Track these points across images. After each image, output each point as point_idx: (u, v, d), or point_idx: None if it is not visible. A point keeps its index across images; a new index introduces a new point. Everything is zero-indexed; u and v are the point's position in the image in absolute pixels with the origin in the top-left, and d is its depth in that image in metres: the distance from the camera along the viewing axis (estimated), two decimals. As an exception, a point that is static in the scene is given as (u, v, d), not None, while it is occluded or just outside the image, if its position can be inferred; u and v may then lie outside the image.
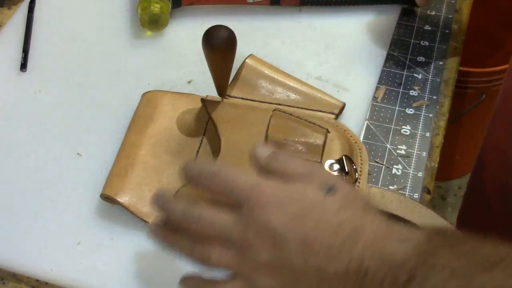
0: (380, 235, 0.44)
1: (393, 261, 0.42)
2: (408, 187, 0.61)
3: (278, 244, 0.45)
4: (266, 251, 0.45)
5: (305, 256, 0.44)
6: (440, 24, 0.75)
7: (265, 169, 0.49)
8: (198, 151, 0.61)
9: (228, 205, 0.48)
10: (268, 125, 0.60)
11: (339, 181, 0.48)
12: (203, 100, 0.63)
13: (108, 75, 0.70)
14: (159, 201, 0.50)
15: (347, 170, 0.57)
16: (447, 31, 0.74)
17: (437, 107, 0.67)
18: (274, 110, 0.61)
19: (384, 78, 0.70)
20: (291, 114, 0.61)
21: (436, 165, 0.64)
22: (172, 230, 0.50)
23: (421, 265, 0.41)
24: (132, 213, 0.57)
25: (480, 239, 0.41)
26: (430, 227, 0.46)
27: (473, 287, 0.38)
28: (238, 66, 0.66)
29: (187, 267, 0.56)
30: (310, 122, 0.60)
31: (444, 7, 0.77)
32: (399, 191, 0.61)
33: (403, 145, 0.64)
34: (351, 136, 0.62)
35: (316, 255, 0.44)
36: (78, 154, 0.63)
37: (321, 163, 0.57)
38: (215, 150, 0.61)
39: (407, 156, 0.63)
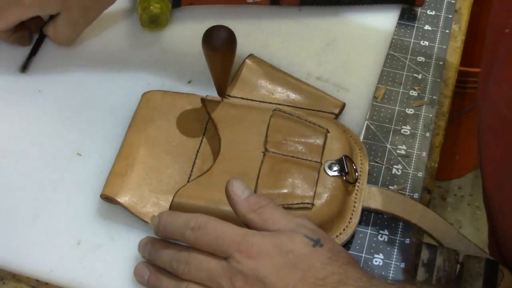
0: (359, 286, 0.46)
1: None
2: (408, 187, 0.61)
3: None
4: None
5: None
6: (440, 24, 0.75)
7: (248, 220, 0.51)
8: (198, 151, 0.61)
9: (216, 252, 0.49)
10: (268, 125, 0.60)
11: (324, 235, 0.50)
12: (203, 100, 0.63)
13: (108, 75, 0.70)
14: (145, 249, 0.53)
15: (347, 170, 0.57)
16: (447, 31, 0.74)
17: (437, 107, 0.67)
18: (274, 110, 0.61)
19: (384, 78, 0.70)
20: (291, 114, 0.61)
21: (436, 165, 0.64)
22: (158, 270, 0.52)
23: None
24: (132, 213, 0.57)
25: None
26: (404, 280, 0.50)
27: None
28: (238, 66, 0.66)
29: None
30: (310, 122, 0.60)
31: (444, 7, 0.77)
32: (399, 191, 0.61)
33: (403, 145, 0.64)
34: (351, 136, 0.62)
35: None
36: (78, 154, 0.63)
37: (321, 163, 0.57)
38: (215, 150, 0.61)
39: (407, 156, 0.63)
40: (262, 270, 0.47)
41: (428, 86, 0.69)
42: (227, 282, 0.47)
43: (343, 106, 0.65)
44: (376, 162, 0.63)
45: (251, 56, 0.67)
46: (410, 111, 0.67)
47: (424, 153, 0.63)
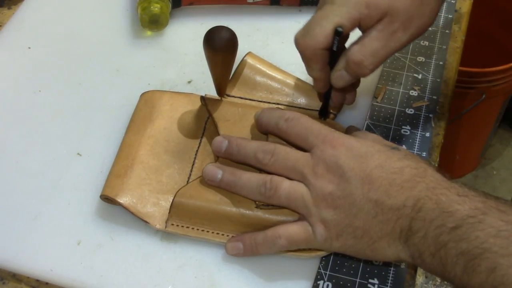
0: (440, 184, 0.48)
1: (447, 208, 0.46)
2: (408, 187, 0.61)
3: (343, 178, 0.50)
4: (332, 183, 0.50)
5: (366, 190, 0.49)
6: (440, 24, 0.75)
7: None
8: (197, 151, 0.61)
9: (296, 146, 0.53)
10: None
11: (402, 147, 0.53)
12: (203, 98, 0.63)
13: (108, 75, 0.70)
14: (222, 145, 0.56)
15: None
16: (447, 31, 0.74)
17: (437, 107, 0.67)
18: (274, 110, 0.61)
19: (384, 78, 0.70)
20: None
21: (436, 165, 0.64)
22: (232, 168, 0.55)
23: (470, 218, 0.45)
24: (132, 213, 0.57)
25: None
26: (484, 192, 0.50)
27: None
28: (237, 65, 0.66)
29: (187, 267, 0.56)
30: (310, 122, 0.60)
31: (444, 7, 0.77)
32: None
33: (403, 145, 0.64)
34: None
35: (376, 189, 0.49)
36: (78, 154, 0.63)
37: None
38: (215, 150, 0.61)
39: (407, 156, 0.63)
40: (342, 158, 0.50)
41: (428, 86, 0.69)
42: (310, 171, 0.51)
43: (341, 105, 0.65)
44: (376, 162, 0.63)
45: (250, 54, 0.66)
46: (410, 111, 0.67)
47: (424, 153, 0.63)
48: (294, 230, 0.52)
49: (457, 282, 0.45)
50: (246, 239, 0.54)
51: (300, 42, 0.55)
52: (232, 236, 0.55)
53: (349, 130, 0.59)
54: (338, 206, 0.50)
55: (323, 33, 0.53)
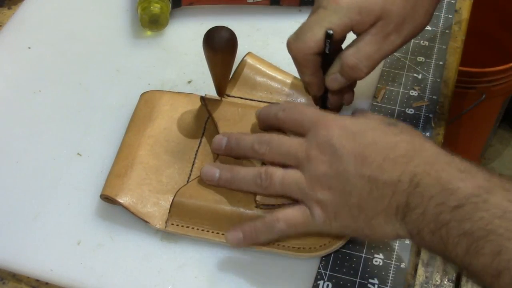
0: (438, 159, 0.47)
1: (448, 185, 0.44)
2: (408, 187, 0.61)
3: (335, 157, 0.49)
4: (324, 164, 0.50)
5: (359, 167, 0.48)
6: (440, 24, 0.75)
7: None
8: (197, 151, 0.61)
9: (295, 134, 0.53)
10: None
11: (400, 121, 0.51)
12: (203, 98, 0.63)
13: (108, 75, 0.70)
14: (222, 142, 0.56)
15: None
16: (447, 31, 0.74)
17: (437, 107, 0.67)
18: (274, 110, 0.61)
19: (384, 78, 0.70)
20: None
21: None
22: (229, 165, 0.56)
23: (474, 197, 0.43)
24: (132, 213, 0.57)
25: None
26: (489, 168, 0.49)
27: None
28: (236, 64, 0.66)
29: (187, 267, 0.56)
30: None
31: (444, 7, 0.77)
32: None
33: (403, 145, 0.64)
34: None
35: (369, 165, 0.48)
36: (78, 154, 0.63)
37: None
38: (215, 150, 0.61)
39: (407, 156, 0.63)
40: (334, 137, 0.50)
41: (428, 86, 0.69)
42: (303, 154, 0.51)
43: (340, 106, 0.65)
44: (376, 162, 0.63)
45: (250, 54, 0.66)
46: (410, 111, 0.67)
47: (424, 153, 0.63)
48: (293, 213, 0.52)
49: (458, 262, 0.44)
50: (245, 227, 0.54)
51: (291, 46, 0.56)
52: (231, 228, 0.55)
53: (353, 113, 0.59)
54: (332, 186, 0.50)
55: (314, 39, 0.54)
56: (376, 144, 0.49)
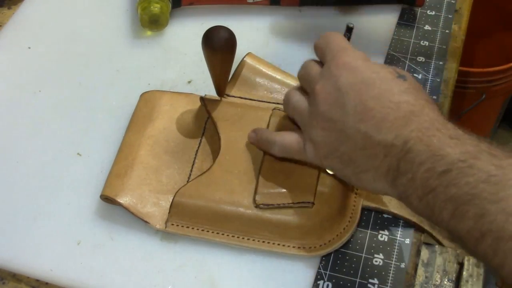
0: (433, 125, 0.47)
1: (437, 151, 0.45)
2: (408, 187, 0.61)
3: (337, 102, 0.49)
4: (325, 104, 0.50)
5: (357, 120, 0.48)
6: (440, 24, 0.75)
7: None
8: (197, 151, 0.61)
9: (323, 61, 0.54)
10: (268, 123, 0.60)
11: (410, 75, 0.51)
12: (202, 99, 0.63)
13: (108, 75, 0.70)
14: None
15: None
16: (447, 31, 0.74)
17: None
18: (274, 109, 0.61)
19: (384, 78, 0.69)
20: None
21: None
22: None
23: (461, 162, 0.43)
24: (132, 213, 0.57)
25: None
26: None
27: (502, 195, 0.41)
28: (236, 64, 0.66)
29: (187, 267, 0.56)
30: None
31: (444, 7, 0.77)
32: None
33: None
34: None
35: (367, 121, 0.48)
36: (78, 154, 0.63)
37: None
38: (215, 150, 0.61)
39: (407, 156, 0.63)
40: (341, 80, 0.50)
41: (428, 86, 0.69)
42: (313, 86, 0.52)
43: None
44: (376, 162, 0.63)
45: (249, 54, 0.66)
46: (410, 111, 0.67)
47: (424, 153, 0.63)
48: (289, 140, 0.54)
49: (444, 226, 0.44)
50: (258, 131, 0.58)
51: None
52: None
53: None
54: (326, 129, 0.50)
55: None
56: (379, 100, 0.48)
